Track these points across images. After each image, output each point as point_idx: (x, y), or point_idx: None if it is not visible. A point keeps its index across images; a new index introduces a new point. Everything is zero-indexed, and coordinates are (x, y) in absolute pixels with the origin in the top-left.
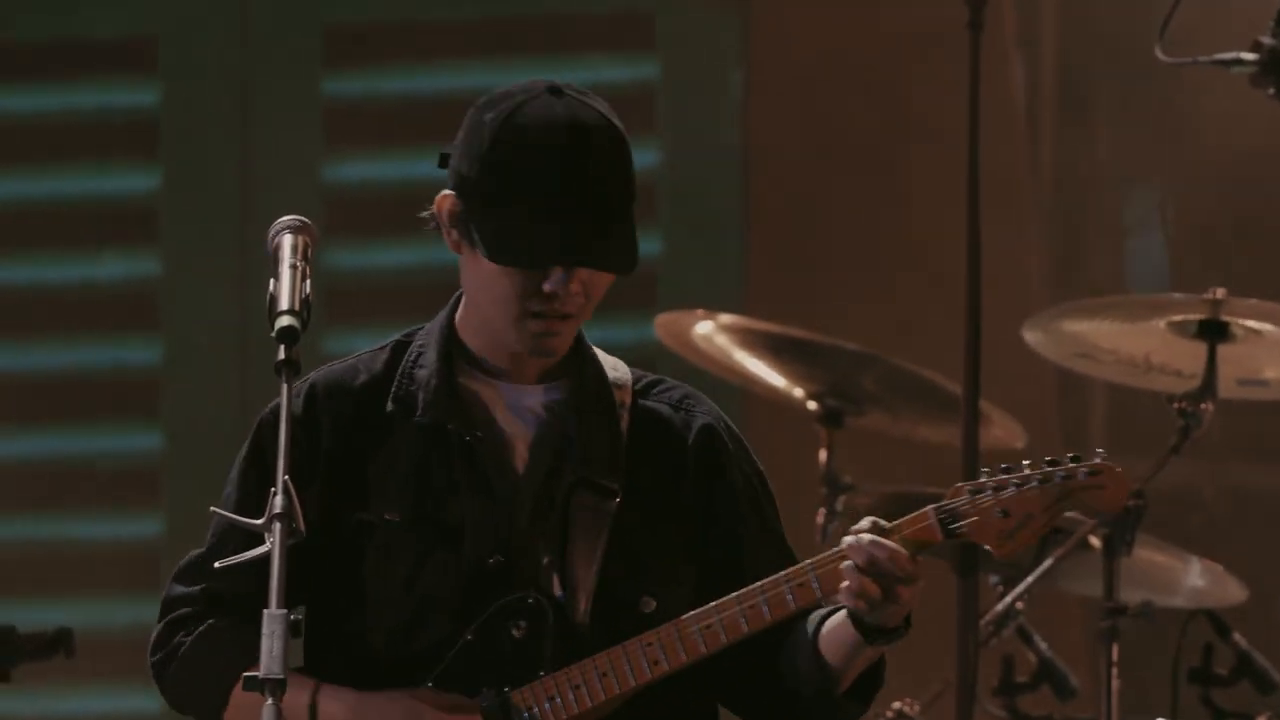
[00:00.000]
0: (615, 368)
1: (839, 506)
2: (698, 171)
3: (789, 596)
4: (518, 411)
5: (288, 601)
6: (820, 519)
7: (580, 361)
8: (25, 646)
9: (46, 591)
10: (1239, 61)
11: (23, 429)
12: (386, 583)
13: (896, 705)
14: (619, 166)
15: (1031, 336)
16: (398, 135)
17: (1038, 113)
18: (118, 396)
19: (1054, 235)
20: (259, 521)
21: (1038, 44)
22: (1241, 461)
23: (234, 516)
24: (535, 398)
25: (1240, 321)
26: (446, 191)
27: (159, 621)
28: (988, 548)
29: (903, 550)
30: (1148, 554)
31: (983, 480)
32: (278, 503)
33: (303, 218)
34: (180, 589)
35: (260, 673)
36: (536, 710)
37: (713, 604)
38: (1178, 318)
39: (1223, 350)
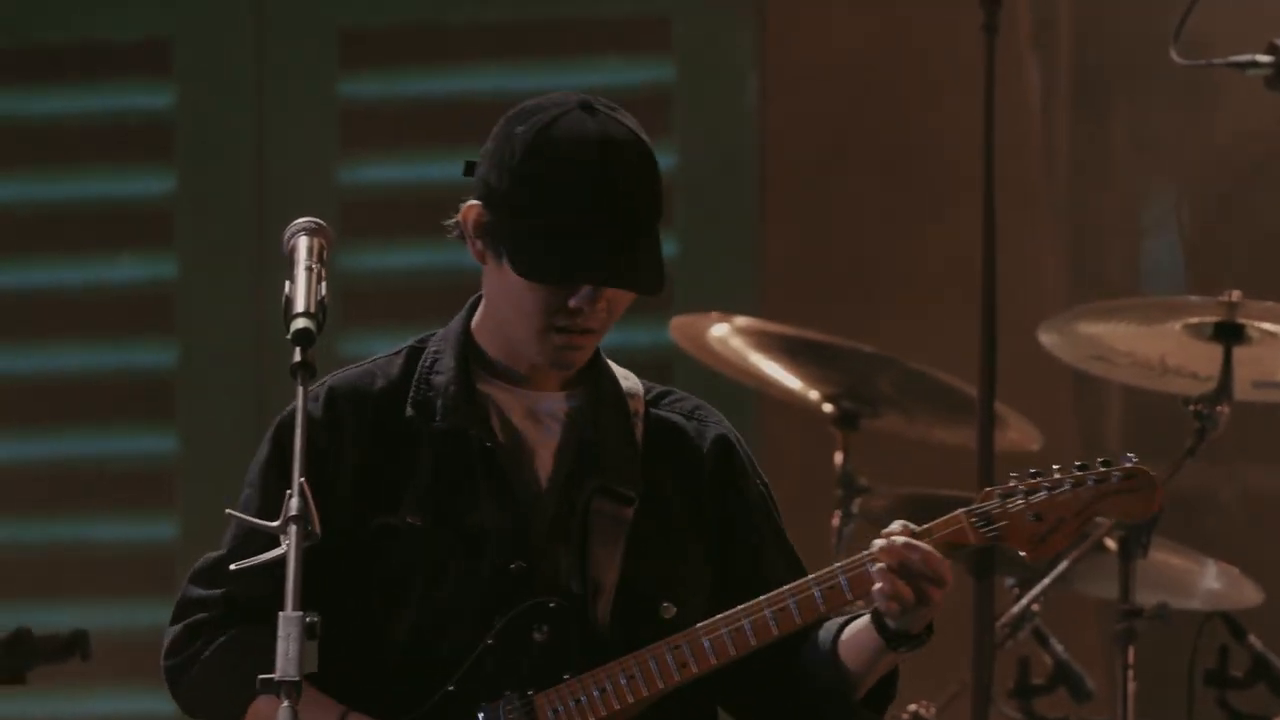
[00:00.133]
0: (626, 377)
1: (854, 509)
2: (713, 174)
3: (819, 599)
4: (537, 418)
5: (306, 604)
6: (836, 521)
7: (596, 370)
8: (40, 648)
9: (62, 594)
10: (1254, 64)
11: (38, 431)
12: (408, 587)
13: (912, 707)
14: (650, 185)
15: (1047, 339)
16: (413, 137)
17: (1053, 115)
18: (133, 399)
19: (1069, 237)
20: (275, 524)
21: (1053, 46)
22: (1257, 464)
23: (251, 519)
24: (554, 404)
25: (1256, 324)
26: (473, 201)
27: (174, 624)
28: (1020, 552)
29: (936, 552)
30: (1163, 556)
31: (1013, 484)
32: (293, 505)
33: (318, 220)
34: (198, 592)
35: (276, 675)
36: (562, 712)
37: (739, 608)
38: (1193, 320)
39: (1238, 352)
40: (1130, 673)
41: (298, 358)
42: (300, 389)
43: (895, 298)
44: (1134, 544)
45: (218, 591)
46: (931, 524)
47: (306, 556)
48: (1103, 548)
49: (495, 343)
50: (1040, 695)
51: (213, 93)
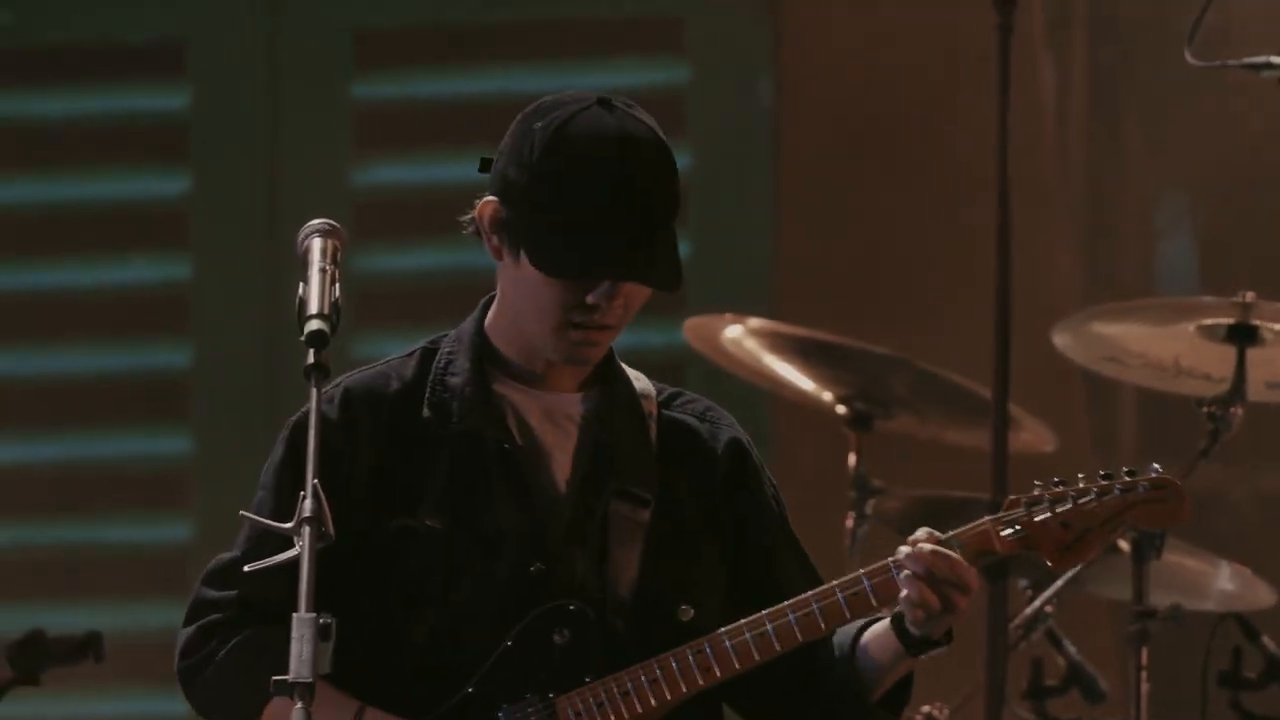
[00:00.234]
0: (638, 378)
1: (868, 510)
2: (727, 175)
3: (844, 605)
4: (553, 419)
5: (321, 606)
6: (849, 523)
7: (610, 371)
8: (55, 650)
9: (75, 595)
10: (1269, 65)
11: (52, 432)
12: (425, 589)
13: (926, 709)
14: (668, 181)
15: (1061, 340)
16: (427, 139)
17: (1067, 116)
18: (147, 400)
19: (1084, 238)
20: (288, 525)
21: (1067, 46)
22: (1271, 465)
23: (264, 521)
24: (570, 406)
25: (1270, 325)
26: (489, 197)
27: (188, 624)
28: (1047, 561)
29: (963, 560)
30: (1177, 558)
31: (1038, 493)
32: (307, 506)
33: (332, 221)
34: (211, 593)
35: (290, 676)
36: (584, 714)
37: (763, 613)
38: (1207, 321)
39: (1252, 354)
40: (1144, 674)
41: (311, 359)
42: (314, 390)
43: (909, 299)
44: (1147, 545)
45: (231, 593)
46: (958, 531)
47: (321, 558)
48: (1116, 549)
49: (510, 341)
50: (1053, 697)
51: (226, 94)
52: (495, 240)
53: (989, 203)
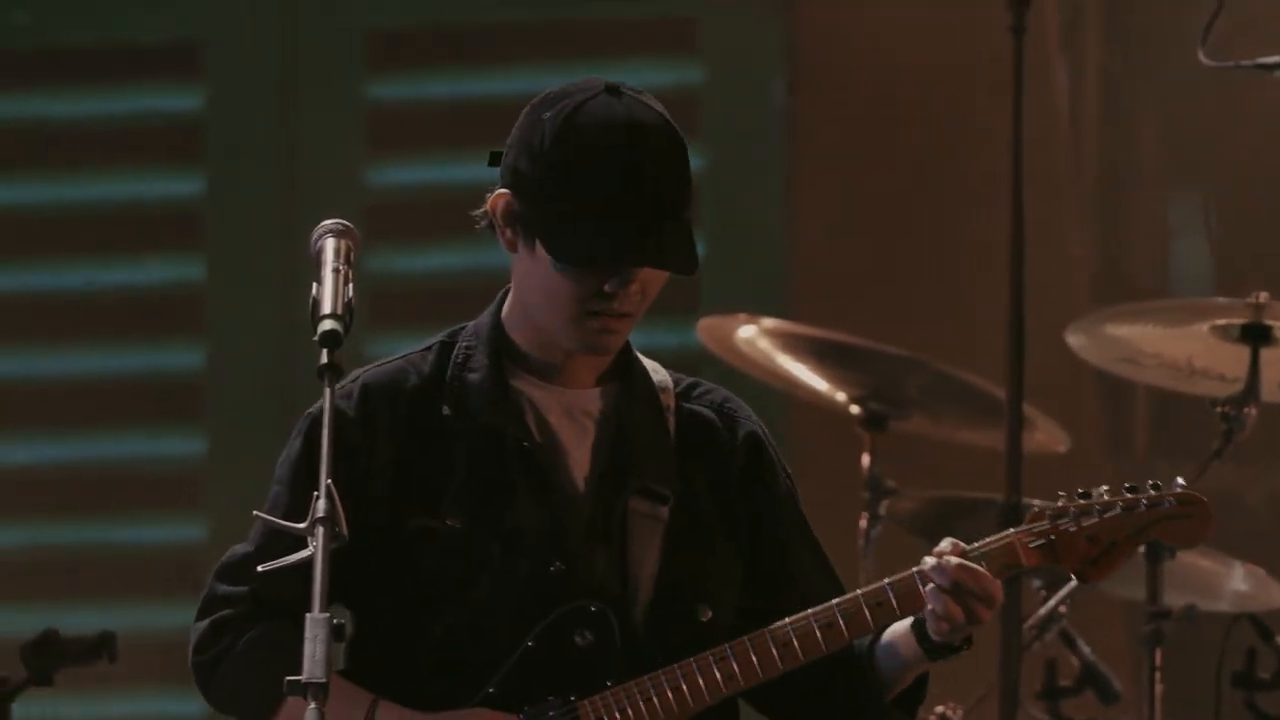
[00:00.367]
0: (655, 370)
1: (881, 511)
2: (741, 175)
3: (868, 615)
4: (572, 415)
5: (337, 603)
6: (863, 523)
7: (628, 363)
8: (68, 650)
9: (89, 595)
10: None
11: (66, 432)
12: (444, 587)
13: (939, 709)
14: (679, 166)
15: (1075, 340)
16: (441, 139)
17: (1081, 116)
18: (161, 401)
19: (1097, 239)
20: (302, 525)
21: (1081, 47)
22: None
23: (278, 521)
24: (589, 401)
25: None
26: (501, 190)
27: (201, 619)
28: (1072, 574)
29: (988, 574)
30: (1191, 558)
31: (1062, 504)
32: (320, 506)
33: (346, 222)
34: (224, 588)
35: (303, 676)
36: (606, 719)
37: (786, 621)
38: (1221, 321)
39: (1266, 354)
40: (1157, 674)
41: (325, 359)
42: (327, 390)
43: (923, 299)
44: (1161, 546)
45: (243, 589)
46: (983, 543)
47: (336, 555)
48: None
49: (527, 334)
50: (1067, 697)
51: (242, 95)
52: (509, 233)
53: (1003, 203)
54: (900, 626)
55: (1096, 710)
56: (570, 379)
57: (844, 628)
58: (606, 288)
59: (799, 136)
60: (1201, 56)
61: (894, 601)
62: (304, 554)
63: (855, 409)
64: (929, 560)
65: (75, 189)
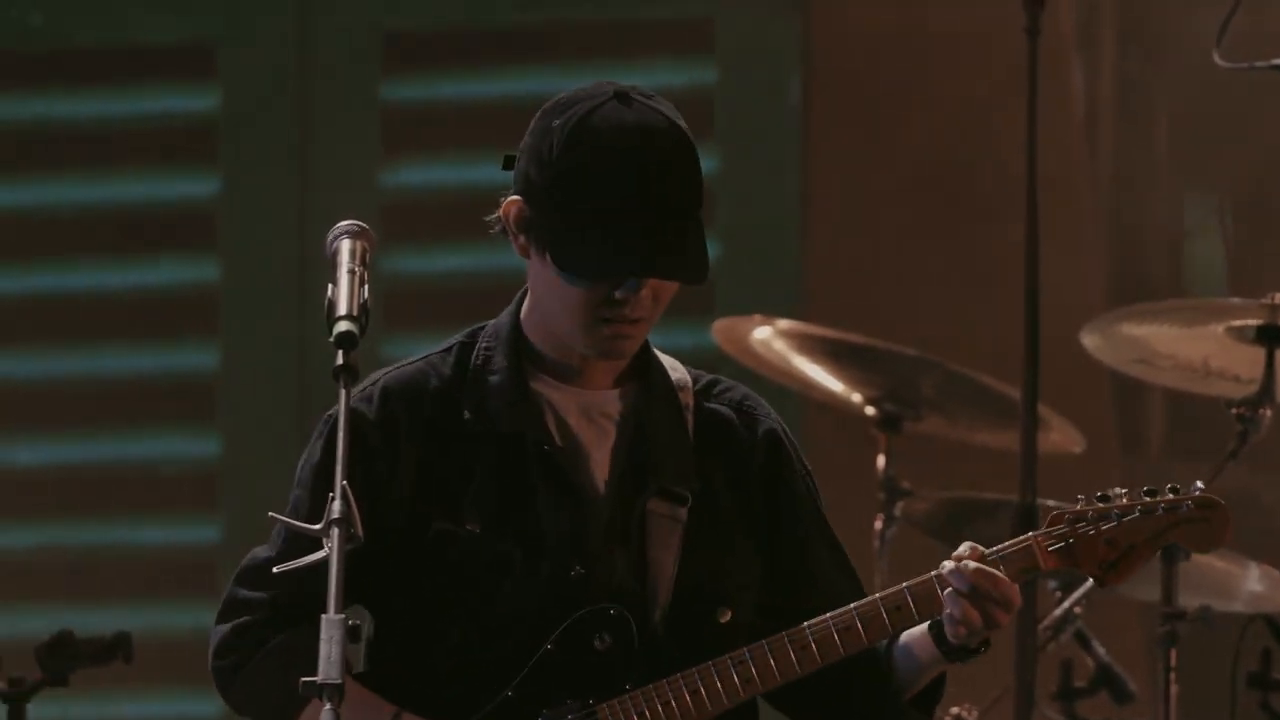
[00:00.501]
0: (674, 368)
1: (896, 512)
2: (756, 176)
3: (886, 619)
4: (592, 417)
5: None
6: (878, 524)
7: (646, 363)
8: (83, 651)
9: (104, 596)
10: None
11: (80, 433)
12: (465, 590)
13: (955, 710)
14: (689, 172)
15: (1090, 341)
16: (456, 140)
17: (1096, 117)
18: (176, 401)
19: (1112, 240)
20: (317, 526)
21: (1096, 48)
22: None
23: (293, 522)
24: (607, 403)
25: None
26: (514, 196)
27: (221, 623)
28: (1091, 578)
29: (1007, 578)
30: (1206, 559)
31: (1081, 508)
32: (335, 508)
33: (361, 223)
34: (244, 593)
35: (318, 678)
36: None
37: (805, 624)
38: (1236, 322)
39: None
40: (1172, 675)
41: (340, 361)
42: (342, 392)
43: (938, 300)
44: (1176, 547)
45: (263, 594)
46: (1002, 547)
47: (355, 558)
48: None
49: (544, 336)
50: (1082, 698)
51: (256, 96)
52: (521, 239)
53: (1018, 204)
54: (918, 628)
55: (1111, 711)
56: (589, 380)
57: (862, 631)
58: (617, 295)
59: (814, 137)
60: (1217, 58)
61: (912, 605)
62: (319, 555)
63: (870, 410)
64: (947, 564)
65: (89, 190)
